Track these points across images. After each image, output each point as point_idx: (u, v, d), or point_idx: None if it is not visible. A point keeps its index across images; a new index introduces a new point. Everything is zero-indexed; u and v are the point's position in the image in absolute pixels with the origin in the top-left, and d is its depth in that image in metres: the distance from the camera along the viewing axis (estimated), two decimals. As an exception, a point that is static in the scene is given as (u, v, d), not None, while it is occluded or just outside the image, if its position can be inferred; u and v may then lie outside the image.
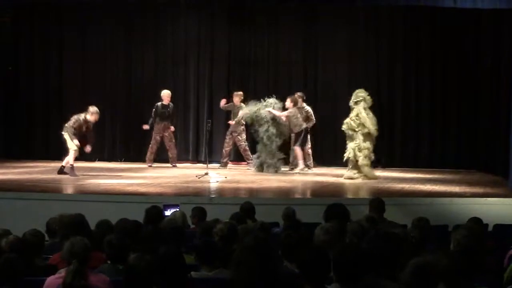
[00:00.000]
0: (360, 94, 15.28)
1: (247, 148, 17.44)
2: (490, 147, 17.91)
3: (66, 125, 14.74)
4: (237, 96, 17.28)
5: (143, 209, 8.33)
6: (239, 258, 4.66)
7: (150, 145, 17.29)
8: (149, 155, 17.28)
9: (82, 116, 14.72)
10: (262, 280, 4.49)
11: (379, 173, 16.64)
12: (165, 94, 17.26)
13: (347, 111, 17.11)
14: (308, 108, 16.65)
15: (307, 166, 16.60)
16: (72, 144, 14.54)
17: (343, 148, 18.12)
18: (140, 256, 5.14)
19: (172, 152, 17.45)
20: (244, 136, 17.36)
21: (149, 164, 17.27)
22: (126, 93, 19.29)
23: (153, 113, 17.16)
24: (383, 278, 5.08)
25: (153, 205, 8.57)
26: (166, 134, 17.20)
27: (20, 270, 5.31)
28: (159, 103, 17.20)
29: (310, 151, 16.89)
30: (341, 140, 18.03)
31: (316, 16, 18.84)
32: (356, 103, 15.22)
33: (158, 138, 17.22)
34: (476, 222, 7.65)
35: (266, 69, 19.17)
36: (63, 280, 5.10)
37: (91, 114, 14.76)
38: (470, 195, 12.86)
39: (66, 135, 14.67)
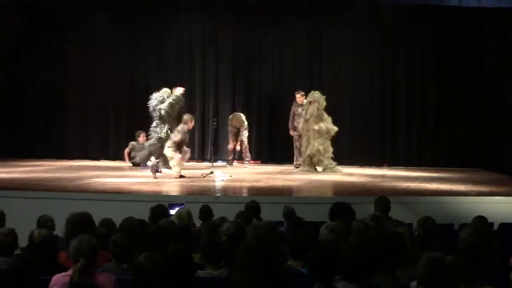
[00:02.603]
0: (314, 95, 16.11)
1: (248, 146, 17.48)
2: (496, 145, 17.92)
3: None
4: (239, 120, 17.24)
5: (148, 208, 8.34)
6: (241, 258, 4.67)
7: None
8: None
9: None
10: (266, 279, 4.49)
11: (385, 171, 16.73)
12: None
13: (351, 109, 17.16)
14: None
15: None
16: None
17: (347, 147, 18.22)
18: (150, 255, 5.14)
19: None
20: (247, 133, 17.38)
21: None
22: (131, 92, 19.31)
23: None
24: (386, 276, 5.13)
25: (159, 203, 8.57)
26: None
27: (34, 270, 5.33)
28: None
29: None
30: (345, 138, 18.09)
31: (320, 14, 18.83)
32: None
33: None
34: (481, 221, 7.64)
35: (271, 67, 19.17)
36: (70, 278, 5.10)
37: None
38: (476, 194, 12.83)
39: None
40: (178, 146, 14.24)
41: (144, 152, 15.78)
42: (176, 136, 14.26)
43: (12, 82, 19.39)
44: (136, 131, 17.42)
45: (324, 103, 16.05)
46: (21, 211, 10.19)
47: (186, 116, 14.53)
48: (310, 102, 16.04)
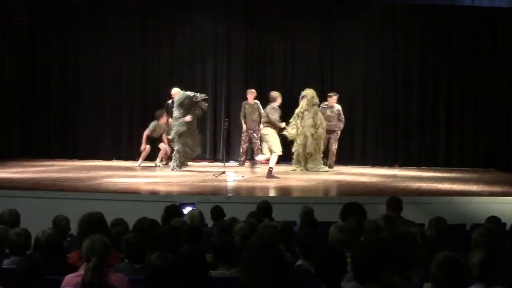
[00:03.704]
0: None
1: (260, 147, 17.47)
2: (509, 146, 17.86)
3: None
4: (251, 94, 17.26)
5: (160, 208, 8.34)
6: (245, 258, 4.67)
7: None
8: (164, 155, 17.29)
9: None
10: (271, 278, 4.49)
11: (397, 172, 16.68)
12: (175, 92, 17.06)
13: (364, 109, 17.13)
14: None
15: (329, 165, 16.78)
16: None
17: (359, 147, 18.19)
18: (161, 254, 5.15)
19: None
20: (259, 134, 17.36)
21: (164, 163, 17.29)
22: (143, 92, 19.35)
23: (164, 110, 17.13)
24: (398, 276, 5.12)
25: (173, 203, 8.58)
26: None
27: (43, 270, 5.33)
28: (169, 101, 17.09)
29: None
30: (356, 138, 18.09)
31: (332, 15, 18.85)
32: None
33: (169, 137, 17.17)
34: (494, 221, 7.62)
35: (283, 67, 19.17)
36: (82, 278, 5.11)
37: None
38: (488, 194, 12.80)
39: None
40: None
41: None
42: (273, 115, 14.89)
43: (25, 83, 19.42)
44: (148, 126, 17.48)
45: (316, 100, 16.28)
46: (33, 211, 10.22)
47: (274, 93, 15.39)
48: (302, 97, 16.26)
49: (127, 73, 19.44)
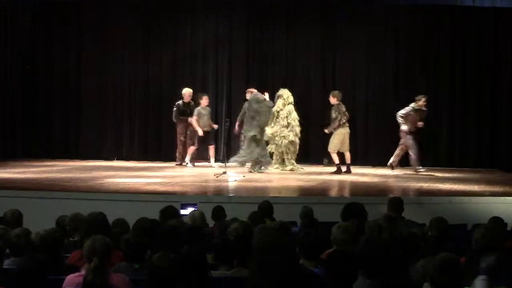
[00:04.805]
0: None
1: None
2: (510, 146, 17.85)
3: None
4: (250, 93, 17.23)
5: (161, 208, 8.34)
6: (256, 260, 4.67)
7: (177, 147, 17.27)
8: (178, 155, 17.29)
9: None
10: (284, 280, 4.50)
11: (398, 172, 16.63)
12: (186, 92, 17.14)
13: (365, 109, 17.13)
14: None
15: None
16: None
17: (361, 147, 18.17)
18: (163, 255, 5.15)
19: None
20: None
21: (177, 163, 17.29)
22: (145, 92, 19.34)
23: (174, 112, 17.12)
24: (398, 276, 5.14)
25: (168, 205, 8.56)
26: (188, 132, 17.13)
27: (45, 270, 5.34)
28: (180, 102, 17.12)
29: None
30: (358, 138, 18.08)
31: (334, 14, 18.85)
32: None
33: (182, 139, 17.15)
34: (495, 221, 7.62)
35: (284, 67, 19.16)
36: (83, 278, 5.12)
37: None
38: (490, 194, 12.79)
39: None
40: None
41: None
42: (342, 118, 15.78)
43: (27, 83, 19.43)
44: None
45: (291, 99, 16.60)
46: (35, 211, 10.22)
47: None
48: (278, 97, 16.57)
49: (129, 73, 19.44)
